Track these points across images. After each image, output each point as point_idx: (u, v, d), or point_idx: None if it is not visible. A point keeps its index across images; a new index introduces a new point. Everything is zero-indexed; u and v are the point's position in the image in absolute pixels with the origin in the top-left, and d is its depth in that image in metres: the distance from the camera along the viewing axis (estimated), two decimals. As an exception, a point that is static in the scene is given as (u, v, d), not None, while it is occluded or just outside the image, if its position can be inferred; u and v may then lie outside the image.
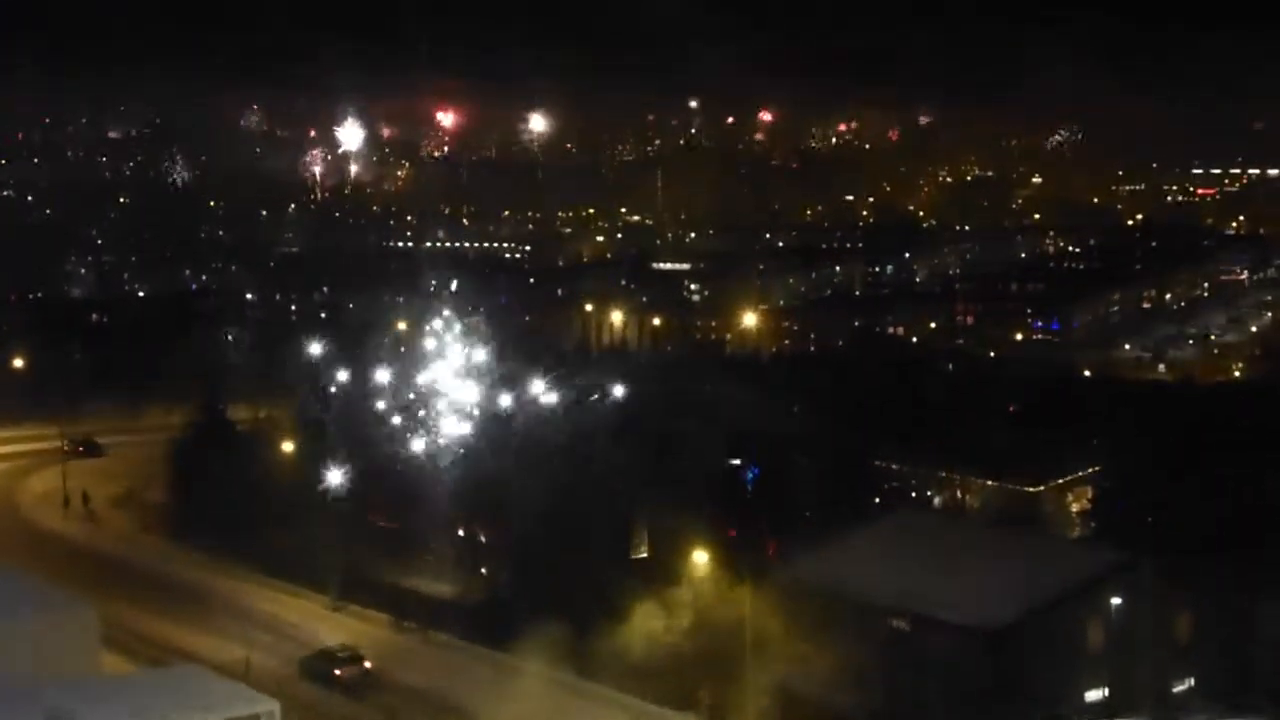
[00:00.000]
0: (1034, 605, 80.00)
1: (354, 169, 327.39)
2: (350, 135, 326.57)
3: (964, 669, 77.04)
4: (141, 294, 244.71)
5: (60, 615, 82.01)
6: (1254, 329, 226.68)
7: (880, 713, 76.36)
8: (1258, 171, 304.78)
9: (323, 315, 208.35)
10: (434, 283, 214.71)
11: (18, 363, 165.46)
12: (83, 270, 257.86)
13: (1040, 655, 78.53)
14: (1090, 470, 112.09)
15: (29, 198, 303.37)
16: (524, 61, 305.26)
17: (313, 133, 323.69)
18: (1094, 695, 78.18)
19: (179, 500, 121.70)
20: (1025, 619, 79.06)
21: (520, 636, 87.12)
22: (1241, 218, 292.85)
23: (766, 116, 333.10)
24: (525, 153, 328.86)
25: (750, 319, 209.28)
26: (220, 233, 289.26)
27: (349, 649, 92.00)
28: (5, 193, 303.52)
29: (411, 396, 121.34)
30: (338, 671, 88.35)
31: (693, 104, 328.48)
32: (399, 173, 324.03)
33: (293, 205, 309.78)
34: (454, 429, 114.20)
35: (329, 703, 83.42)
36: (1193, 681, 79.87)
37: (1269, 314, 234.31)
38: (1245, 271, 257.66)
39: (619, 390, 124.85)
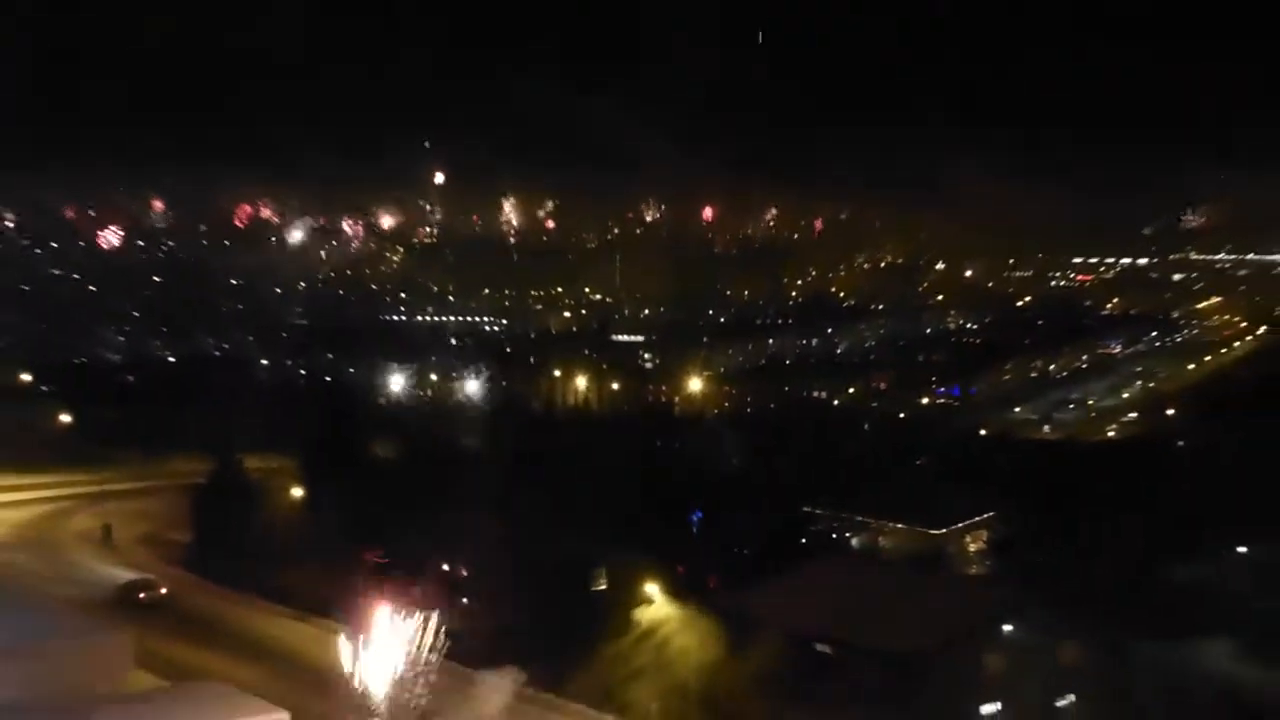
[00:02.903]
0: (940, 634, 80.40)
1: (355, 252, 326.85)
2: (351, 223, 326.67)
3: (878, 688, 77.28)
4: (169, 359, 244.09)
5: (97, 641, 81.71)
6: (1126, 396, 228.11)
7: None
8: (1129, 261, 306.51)
9: (326, 379, 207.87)
10: (422, 351, 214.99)
11: (63, 418, 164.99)
12: (119, 338, 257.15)
13: (944, 676, 78.82)
14: (986, 516, 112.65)
15: (74, 275, 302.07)
16: (502, 162, 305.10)
17: (321, 221, 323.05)
18: (989, 709, 78.44)
19: (199, 539, 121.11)
20: (932, 645, 79.42)
21: (486, 655, 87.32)
22: (1116, 300, 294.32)
23: (709, 211, 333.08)
24: (502, 239, 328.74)
25: (696, 384, 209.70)
26: (239, 307, 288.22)
27: (147, 579, 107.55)
28: (54, 270, 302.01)
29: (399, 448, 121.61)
30: (141, 595, 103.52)
31: (647, 200, 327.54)
32: (394, 256, 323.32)
33: (302, 284, 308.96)
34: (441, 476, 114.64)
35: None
36: (1073, 698, 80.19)
37: (1139, 383, 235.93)
38: (1119, 346, 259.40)
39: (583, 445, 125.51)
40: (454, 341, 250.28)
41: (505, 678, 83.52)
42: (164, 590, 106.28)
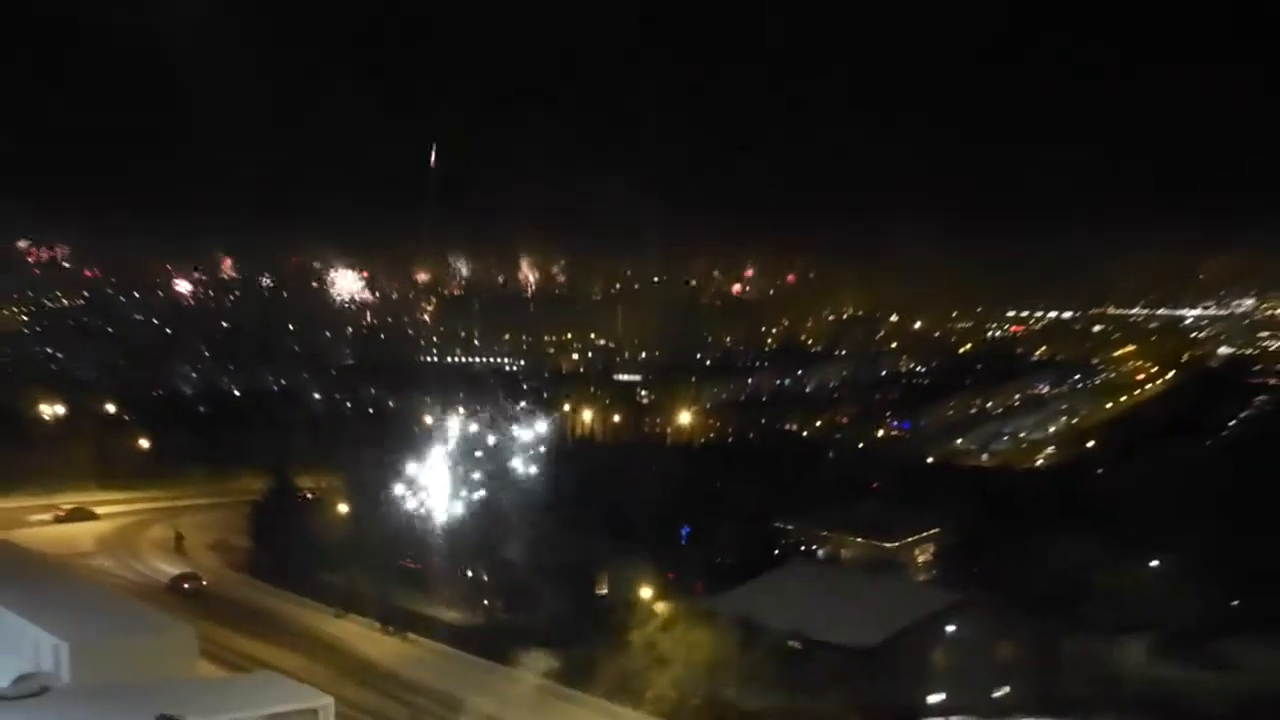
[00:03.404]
0: (893, 631, 79.81)
1: (394, 302, 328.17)
2: (391, 279, 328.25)
3: (840, 677, 76.76)
4: (235, 392, 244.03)
5: (164, 634, 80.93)
6: (1052, 429, 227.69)
7: (781, 710, 75.86)
8: (1055, 314, 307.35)
9: (369, 411, 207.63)
10: (452, 388, 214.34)
11: (143, 442, 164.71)
12: (192, 374, 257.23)
13: (896, 667, 78.32)
14: (932, 531, 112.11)
15: (154, 321, 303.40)
16: (521, 229, 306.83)
17: (365, 274, 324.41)
18: (934, 698, 77.84)
19: (258, 546, 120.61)
20: (886, 641, 78.85)
21: (502, 647, 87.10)
22: (1044, 348, 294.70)
23: (698, 269, 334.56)
24: (521, 292, 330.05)
25: (685, 417, 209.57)
26: (295, 348, 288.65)
27: (191, 573, 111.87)
28: (137, 316, 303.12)
29: (431, 470, 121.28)
30: (185, 585, 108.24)
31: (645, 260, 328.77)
32: (428, 306, 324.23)
33: (349, 329, 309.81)
34: (466, 494, 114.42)
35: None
36: (1008, 689, 79.62)
37: (1064, 419, 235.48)
38: (1046, 387, 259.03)
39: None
40: (478, 379, 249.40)
41: (524, 669, 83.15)
42: (204, 581, 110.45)
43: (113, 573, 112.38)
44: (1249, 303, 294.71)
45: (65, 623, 78.11)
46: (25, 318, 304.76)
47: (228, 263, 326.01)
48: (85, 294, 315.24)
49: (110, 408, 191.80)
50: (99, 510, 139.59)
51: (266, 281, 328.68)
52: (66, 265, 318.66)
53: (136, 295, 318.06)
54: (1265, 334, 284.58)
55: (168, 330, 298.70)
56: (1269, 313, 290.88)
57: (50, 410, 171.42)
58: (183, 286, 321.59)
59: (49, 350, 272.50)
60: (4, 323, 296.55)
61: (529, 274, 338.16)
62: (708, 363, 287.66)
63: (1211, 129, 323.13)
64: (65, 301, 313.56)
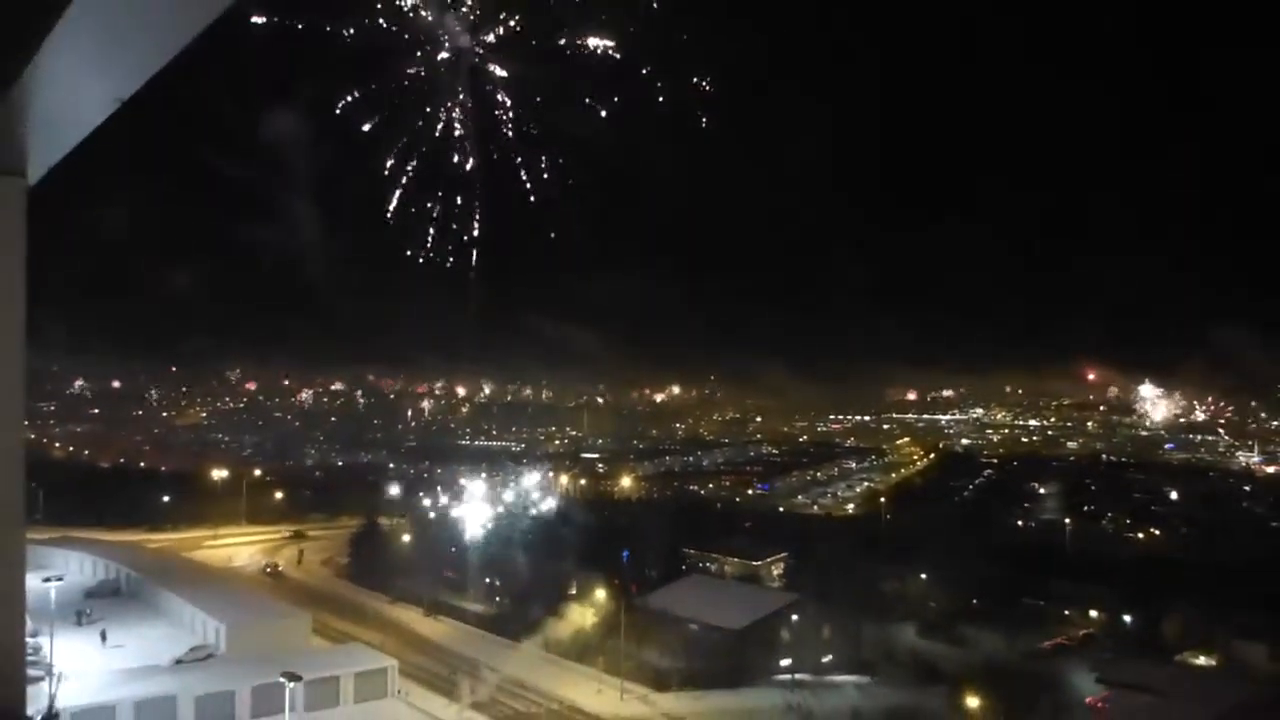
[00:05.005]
0: (755, 618, 79.44)
1: (443, 406, 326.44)
2: (442, 391, 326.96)
3: (722, 647, 76.18)
4: (339, 463, 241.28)
5: (289, 618, 79.26)
6: (857, 490, 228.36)
7: (685, 670, 75.06)
8: (859, 417, 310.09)
9: (425, 476, 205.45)
10: (478, 461, 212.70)
11: (279, 495, 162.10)
12: (311, 451, 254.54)
13: (758, 642, 77.75)
14: (782, 554, 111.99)
15: (288, 417, 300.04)
16: (524, 362, 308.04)
17: (424, 389, 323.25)
18: (784, 662, 77.26)
19: (353, 561, 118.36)
20: (751, 624, 78.45)
21: (508, 628, 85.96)
22: (852, 439, 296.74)
23: (636, 390, 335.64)
24: (521, 402, 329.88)
25: (627, 482, 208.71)
26: (377, 435, 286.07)
27: (274, 563, 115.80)
28: (278, 414, 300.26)
29: (464, 513, 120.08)
30: (269, 570, 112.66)
31: (600, 385, 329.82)
32: (464, 408, 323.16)
33: (414, 423, 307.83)
34: (487, 529, 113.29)
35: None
36: (830, 656, 79.16)
37: (865, 484, 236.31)
38: (854, 463, 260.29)
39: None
40: (495, 456, 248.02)
41: (523, 642, 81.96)
42: (280, 567, 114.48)
43: (252, 576, 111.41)
44: (979, 412, 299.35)
45: (223, 610, 76.51)
46: (204, 414, 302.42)
47: (337, 381, 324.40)
48: (244, 399, 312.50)
49: (258, 472, 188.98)
50: (250, 538, 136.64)
51: (360, 393, 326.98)
52: (232, 378, 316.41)
53: (277, 400, 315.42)
54: (990, 431, 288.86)
55: (296, 423, 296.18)
56: (990, 418, 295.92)
57: (219, 474, 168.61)
58: (305, 395, 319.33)
59: (219, 435, 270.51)
60: (191, 418, 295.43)
61: (528, 391, 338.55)
62: (640, 447, 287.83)
63: (970, 307, 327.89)
64: (231, 403, 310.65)
